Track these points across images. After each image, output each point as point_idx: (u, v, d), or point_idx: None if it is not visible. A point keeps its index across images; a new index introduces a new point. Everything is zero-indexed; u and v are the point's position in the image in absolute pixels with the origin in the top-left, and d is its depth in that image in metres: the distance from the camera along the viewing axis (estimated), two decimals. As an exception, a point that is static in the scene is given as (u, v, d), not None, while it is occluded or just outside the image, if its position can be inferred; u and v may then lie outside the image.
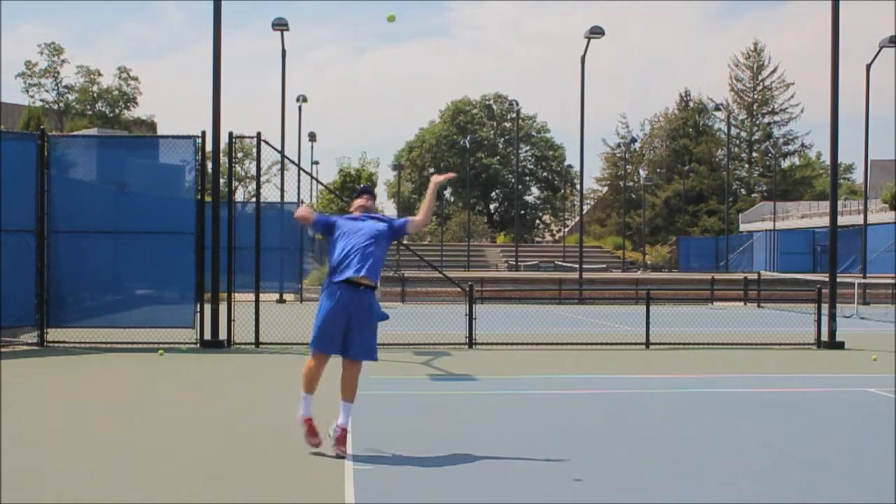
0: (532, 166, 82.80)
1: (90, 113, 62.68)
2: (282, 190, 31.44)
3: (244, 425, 7.69)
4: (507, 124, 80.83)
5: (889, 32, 30.76)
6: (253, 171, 64.05)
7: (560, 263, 52.65)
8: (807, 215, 57.92)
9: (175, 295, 14.06)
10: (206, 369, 11.48)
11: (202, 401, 9.10)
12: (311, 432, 6.55)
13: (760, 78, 76.20)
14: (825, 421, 8.24)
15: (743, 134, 76.53)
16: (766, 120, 76.70)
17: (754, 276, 30.75)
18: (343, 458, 6.29)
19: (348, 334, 6.48)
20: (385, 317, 6.74)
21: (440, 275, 16.38)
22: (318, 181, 17.96)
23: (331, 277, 6.56)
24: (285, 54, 32.93)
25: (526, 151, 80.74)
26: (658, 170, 77.55)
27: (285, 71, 33.52)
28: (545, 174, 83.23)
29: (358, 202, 7.01)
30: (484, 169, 79.14)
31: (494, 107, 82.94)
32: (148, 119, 64.78)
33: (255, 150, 14.48)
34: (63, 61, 63.48)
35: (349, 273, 6.45)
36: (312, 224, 6.79)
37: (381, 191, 74.61)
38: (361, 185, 7.04)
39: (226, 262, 13.87)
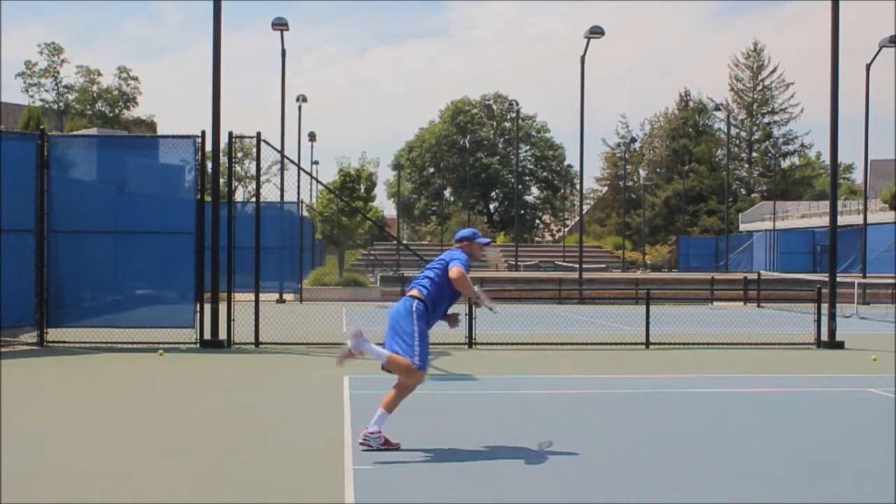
0: (532, 166, 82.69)
1: (90, 113, 62.57)
2: (282, 190, 31.44)
3: (244, 425, 7.69)
4: (507, 124, 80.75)
5: (889, 32, 30.73)
6: (253, 171, 63.93)
7: (560, 263, 52.60)
8: (807, 215, 57.85)
9: (175, 295, 14.07)
10: (206, 369, 11.48)
11: (202, 401, 9.10)
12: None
13: (760, 78, 76.16)
14: (825, 421, 8.24)
15: (743, 134, 76.49)
16: (765, 120, 76.67)
17: (754, 276, 30.70)
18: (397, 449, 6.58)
19: None
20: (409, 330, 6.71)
21: (440, 275, 16.31)
22: (318, 181, 18.02)
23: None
24: (285, 54, 32.93)
25: (526, 151, 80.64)
26: (658, 170, 77.52)
27: (285, 71, 33.55)
28: (545, 174, 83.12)
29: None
30: (484, 169, 79.04)
31: (494, 107, 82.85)
32: (148, 119, 64.70)
33: (255, 150, 14.49)
34: (63, 61, 63.37)
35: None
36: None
37: (381, 191, 74.66)
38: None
39: (225, 262, 13.87)
